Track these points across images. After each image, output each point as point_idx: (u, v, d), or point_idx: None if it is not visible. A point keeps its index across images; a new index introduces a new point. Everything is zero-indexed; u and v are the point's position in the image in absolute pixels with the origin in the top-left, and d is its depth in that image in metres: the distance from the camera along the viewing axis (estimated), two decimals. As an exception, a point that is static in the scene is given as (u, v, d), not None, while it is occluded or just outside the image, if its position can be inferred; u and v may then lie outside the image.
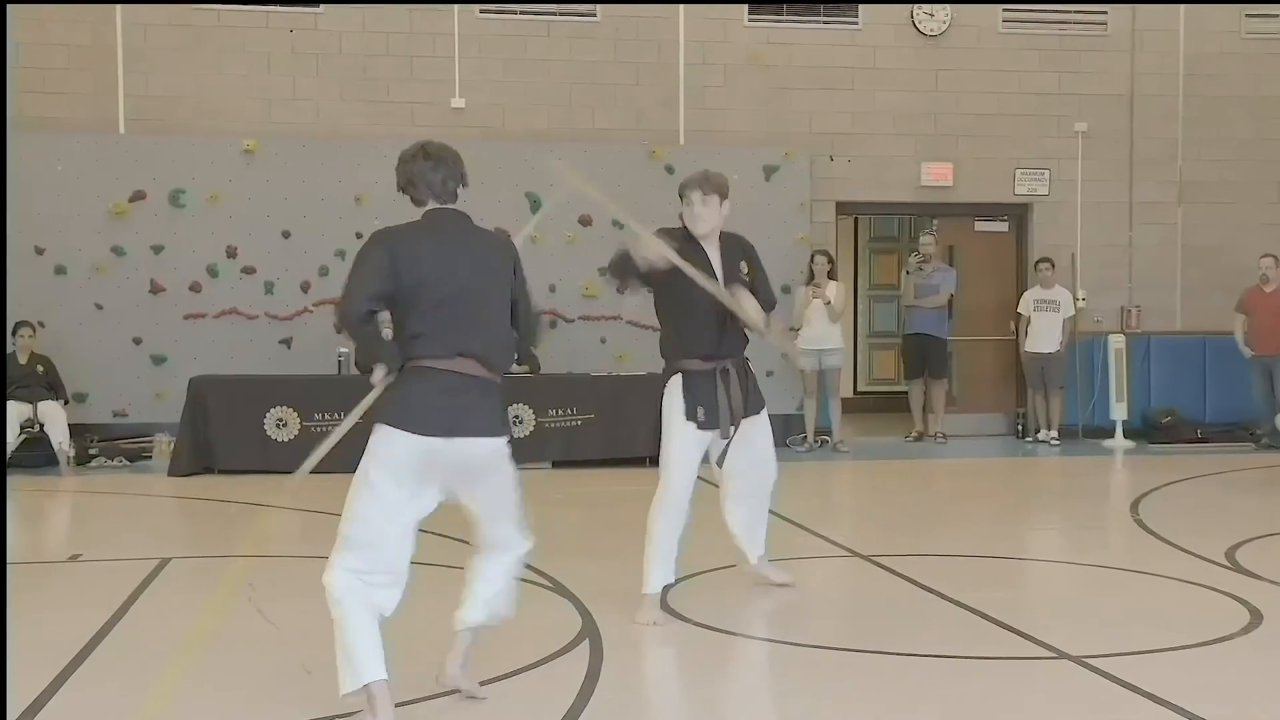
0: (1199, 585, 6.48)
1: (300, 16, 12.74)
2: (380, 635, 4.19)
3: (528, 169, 12.68)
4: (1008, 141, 13.83)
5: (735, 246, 5.89)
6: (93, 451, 11.47)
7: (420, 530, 4.37)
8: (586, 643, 5.33)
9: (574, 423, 11.34)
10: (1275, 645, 5.39)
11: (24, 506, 9.52)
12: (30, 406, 11.25)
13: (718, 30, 13.33)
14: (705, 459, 5.96)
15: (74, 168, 12.15)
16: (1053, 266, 13.41)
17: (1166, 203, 14.12)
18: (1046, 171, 13.93)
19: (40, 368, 11.48)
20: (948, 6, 13.67)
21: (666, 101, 13.26)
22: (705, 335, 5.75)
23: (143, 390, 12.22)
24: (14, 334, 11.46)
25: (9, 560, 6.32)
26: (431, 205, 4.49)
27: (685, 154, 12.88)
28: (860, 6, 13.56)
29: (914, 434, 13.49)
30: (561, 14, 13.09)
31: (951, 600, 6.14)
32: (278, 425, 10.88)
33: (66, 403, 11.58)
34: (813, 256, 12.76)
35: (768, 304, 5.92)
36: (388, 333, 4.44)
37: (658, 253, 5.47)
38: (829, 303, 12.56)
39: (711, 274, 5.70)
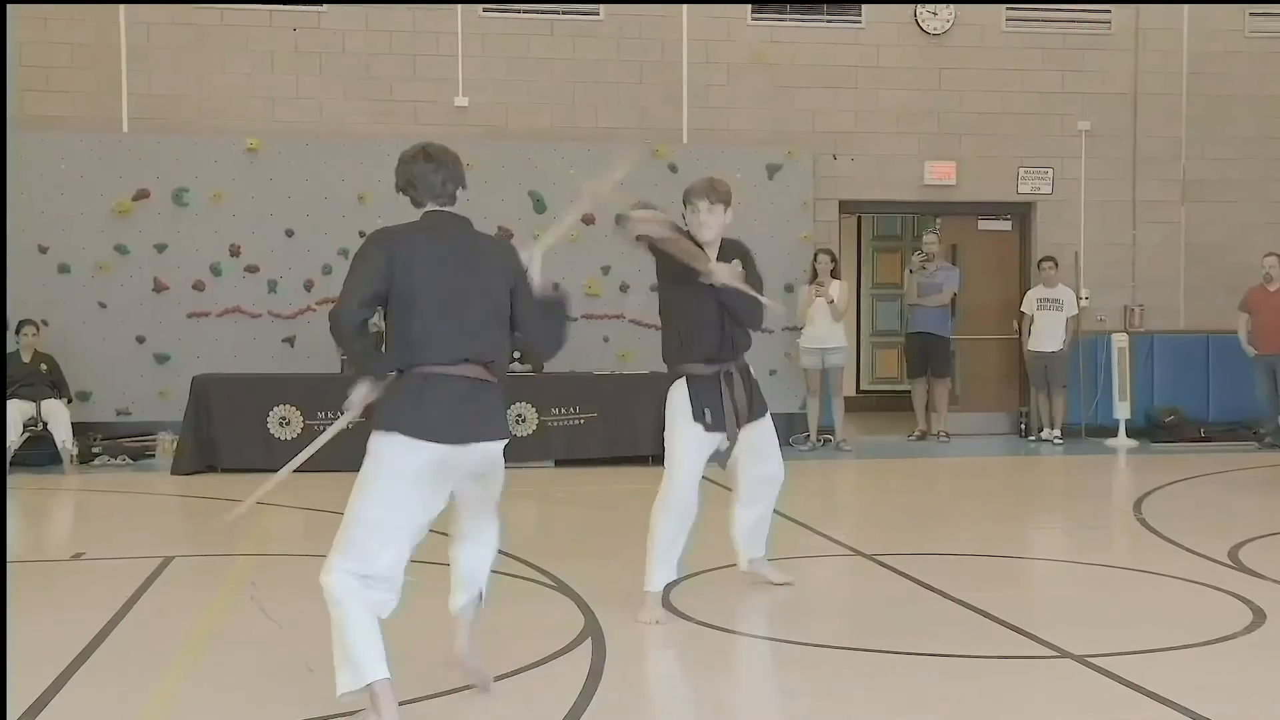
0: (1202, 584, 6.47)
1: (303, 15, 12.75)
2: (381, 634, 4.18)
3: (531, 168, 12.72)
4: (1011, 140, 13.82)
5: (733, 250, 5.90)
6: (96, 450, 11.48)
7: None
8: (589, 642, 5.32)
9: (577, 421, 11.34)
10: (1278, 645, 5.38)
11: (27, 505, 9.53)
12: (33, 405, 11.27)
13: (721, 29, 13.33)
14: (711, 460, 5.97)
15: (77, 166, 12.16)
16: (1056, 265, 13.41)
17: (1170, 201, 14.11)
18: (1050, 170, 13.92)
19: (44, 366, 11.50)
20: (951, 5, 13.66)
21: (670, 100, 13.25)
22: (708, 339, 5.77)
23: (146, 389, 12.23)
24: (17, 332, 11.47)
25: (11, 559, 6.33)
26: (431, 207, 4.49)
27: (688, 153, 12.90)
28: (863, 5, 13.55)
29: (917, 433, 13.48)
30: (565, 13, 13.09)
31: (954, 599, 6.13)
32: (281, 424, 10.88)
33: (70, 401, 11.60)
34: (816, 255, 12.76)
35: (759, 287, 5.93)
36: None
37: (651, 227, 5.52)
38: (832, 301, 12.56)
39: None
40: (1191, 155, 14.08)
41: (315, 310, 12.41)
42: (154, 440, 11.79)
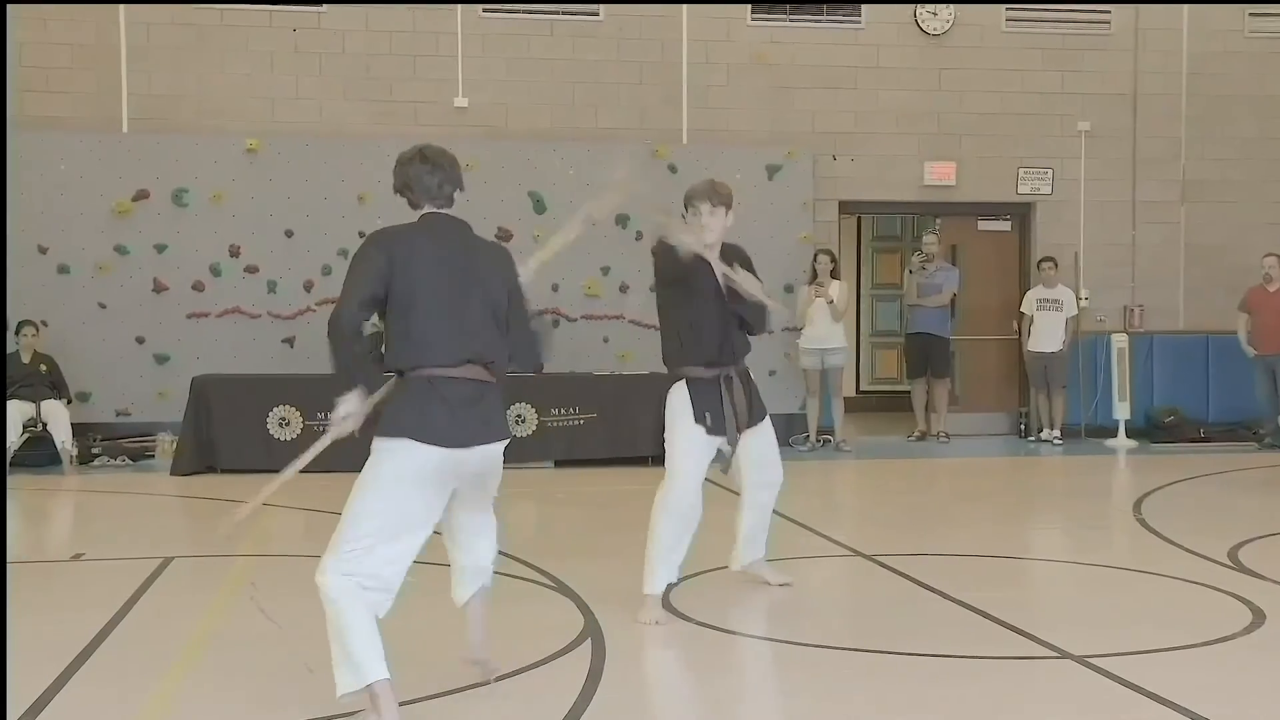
0: (1201, 585, 6.47)
1: (303, 16, 12.75)
2: (379, 634, 4.18)
3: (530, 168, 12.73)
4: (1011, 140, 13.82)
5: (732, 254, 5.91)
6: (95, 451, 11.48)
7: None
8: (588, 642, 5.32)
9: (576, 422, 11.34)
10: (1277, 645, 5.38)
11: (26, 505, 9.53)
12: (33, 405, 11.27)
13: (721, 29, 13.33)
14: (712, 463, 5.99)
15: (77, 167, 12.16)
16: (1055, 266, 13.41)
17: (1170, 202, 14.11)
18: (1049, 170, 13.92)
19: (43, 367, 11.50)
20: (951, 5, 13.66)
21: (670, 101, 13.26)
22: (708, 342, 5.78)
23: (145, 389, 12.23)
24: (17, 333, 11.47)
25: (10, 559, 6.33)
26: (428, 209, 4.49)
27: (688, 153, 12.90)
28: (863, 6, 13.55)
29: (916, 433, 13.48)
30: (564, 13, 13.09)
31: (954, 600, 6.13)
32: (280, 424, 10.88)
33: (69, 402, 11.60)
34: (816, 256, 12.76)
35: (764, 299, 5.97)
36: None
37: (691, 240, 5.54)
38: (832, 302, 12.56)
39: (715, 284, 5.73)
40: (1191, 155, 14.08)
41: (315, 311, 12.41)
42: (154, 441, 11.78)
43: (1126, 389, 13.27)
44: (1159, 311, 14.09)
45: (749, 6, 13.39)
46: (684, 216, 5.89)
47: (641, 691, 5.01)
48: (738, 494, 6.29)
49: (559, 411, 11.29)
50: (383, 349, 4.40)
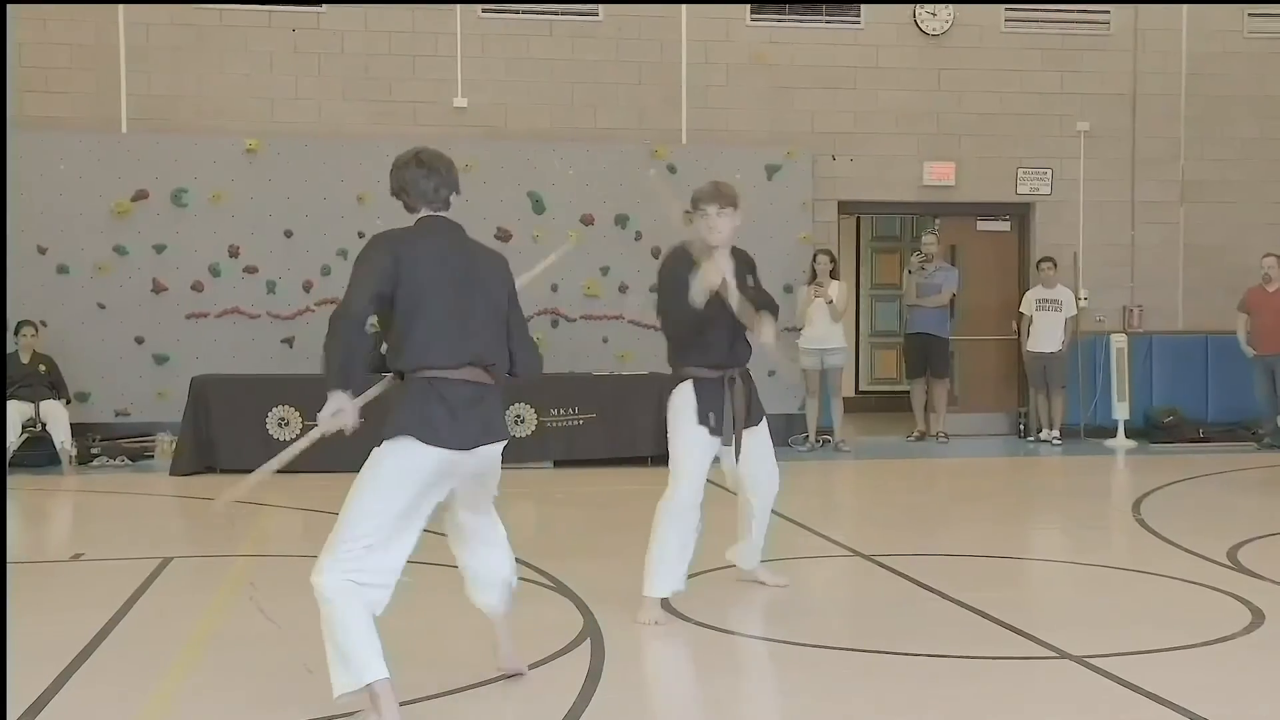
0: (1201, 585, 6.48)
1: (302, 16, 12.75)
2: (377, 634, 4.17)
3: (530, 168, 12.74)
4: (1010, 141, 13.83)
5: (744, 261, 5.97)
6: (95, 451, 11.48)
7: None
8: (588, 642, 5.33)
9: (576, 422, 11.34)
10: (1277, 645, 5.39)
11: (26, 506, 9.52)
12: (32, 406, 11.27)
13: (720, 29, 13.33)
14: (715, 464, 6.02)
15: (76, 167, 12.16)
16: (1055, 266, 13.41)
17: (1169, 202, 14.12)
18: (1049, 171, 13.93)
19: (42, 367, 11.50)
20: (950, 6, 13.67)
21: (669, 101, 13.26)
22: (719, 344, 5.81)
23: (145, 389, 12.23)
24: (16, 333, 11.47)
25: (10, 560, 6.32)
26: (425, 212, 4.49)
27: (687, 153, 12.91)
28: (862, 6, 13.55)
29: (916, 433, 13.49)
30: (564, 13, 13.09)
31: (953, 600, 6.14)
32: (280, 424, 10.88)
33: (69, 402, 11.60)
34: (815, 256, 12.76)
35: (770, 298, 6.04)
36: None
37: (716, 279, 5.56)
38: (831, 302, 12.56)
39: (724, 285, 5.75)
40: (1190, 156, 14.08)
41: (314, 311, 12.41)
42: (153, 441, 11.78)
43: (1125, 389, 13.27)
44: (1158, 312, 14.10)
45: (748, 6, 13.39)
46: (688, 214, 5.89)
47: (641, 691, 5.01)
48: (735, 494, 6.29)
49: (558, 412, 11.29)
50: (381, 350, 4.40)
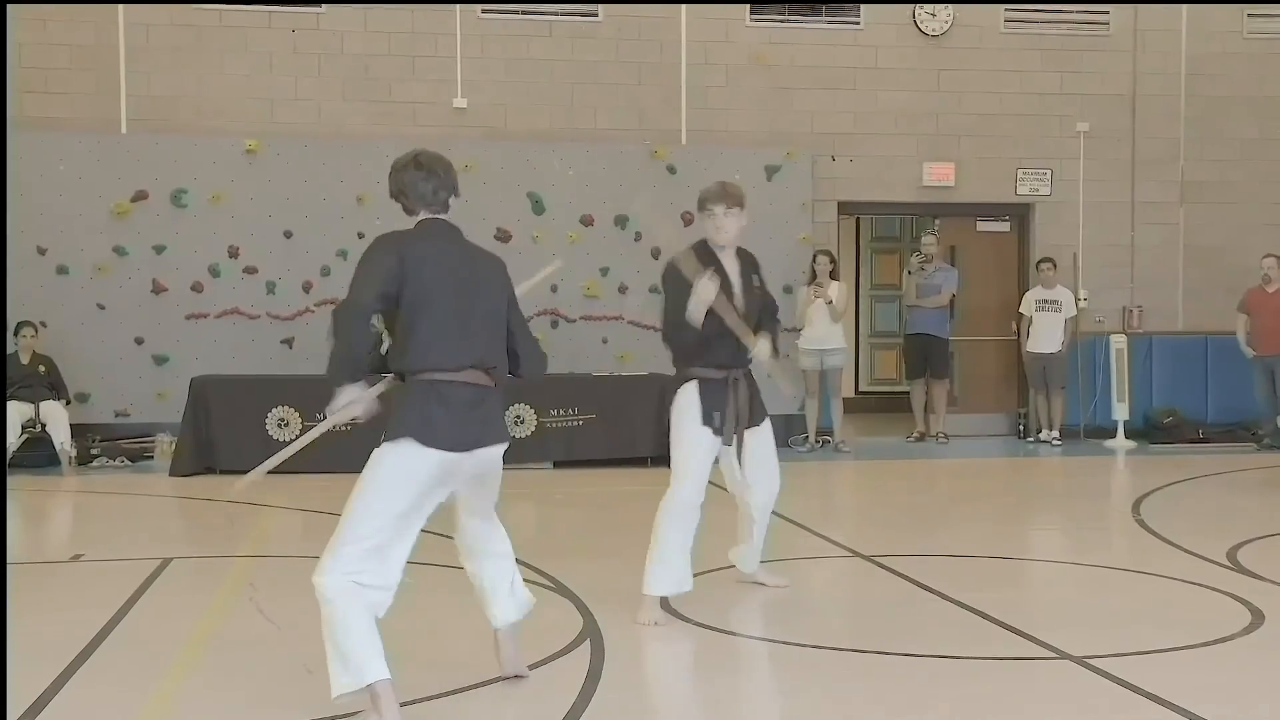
0: (1200, 585, 6.48)
1: (302, 16, 12.75)
2: (379, 635, 4.18)
3: (529, 169, 12.74)
4: (1009, 141, 13.83)
5: (750, 262, 6.02)
6: (94, 451, 11.48)
7: (421, 530, 4.39)
8: (587, 643, 5.33)
9: (575, 423, 11.33)
10: (1276, 646, 5.39)
11: (26, 506, 9.52)
12: (32, 406, 11.26)
13: (720, 30, 13.33)
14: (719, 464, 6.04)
15: (76, 168, 12.16)
16: (1054, 266, 13.41)
17: (1168, 203, 14.12)
18: (1048, 171, 13.93)
19: (42, 368, 11.49)
20: (949, 6, 13.67)
21: (668, 101, 13.26)
22: (725, 345, 5.82)
23: (144, 390, 12.23)
24: (16, 334, 11.47)
25: (10, 560, 6.32)
26: (424, 215, 4.50)
27: (687, 154, 12.92)
28: (862, 6, 13.56)
29: (915, 434, 13.49)
30: (563, 14, 13.09)
31: (953, 600, 6.14)
32: (279, 425, 10.88)
33: (68, 403, 11.60)
34: (815, 256, 12.77)
35: (775, 308, 6.19)
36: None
37: (709, 297, 5.64)
38: (831, 302, 12.56)
39: (730, 286, 5.84)
40: (1190, 156, 14.09)
41: (313, 312, 12.42)
42: (152, 442, 11.78)
43: (1125, 390, 13.28)
44: (1158, 312, 14.10)
45: (748, 7, 13.40)
46: (704, 209, 5.91)
47: (641, 692, 5.01)
48: (735, 497, 6.28)
49: (558, 412, 11.28)
50: (382, 350, 4.40)
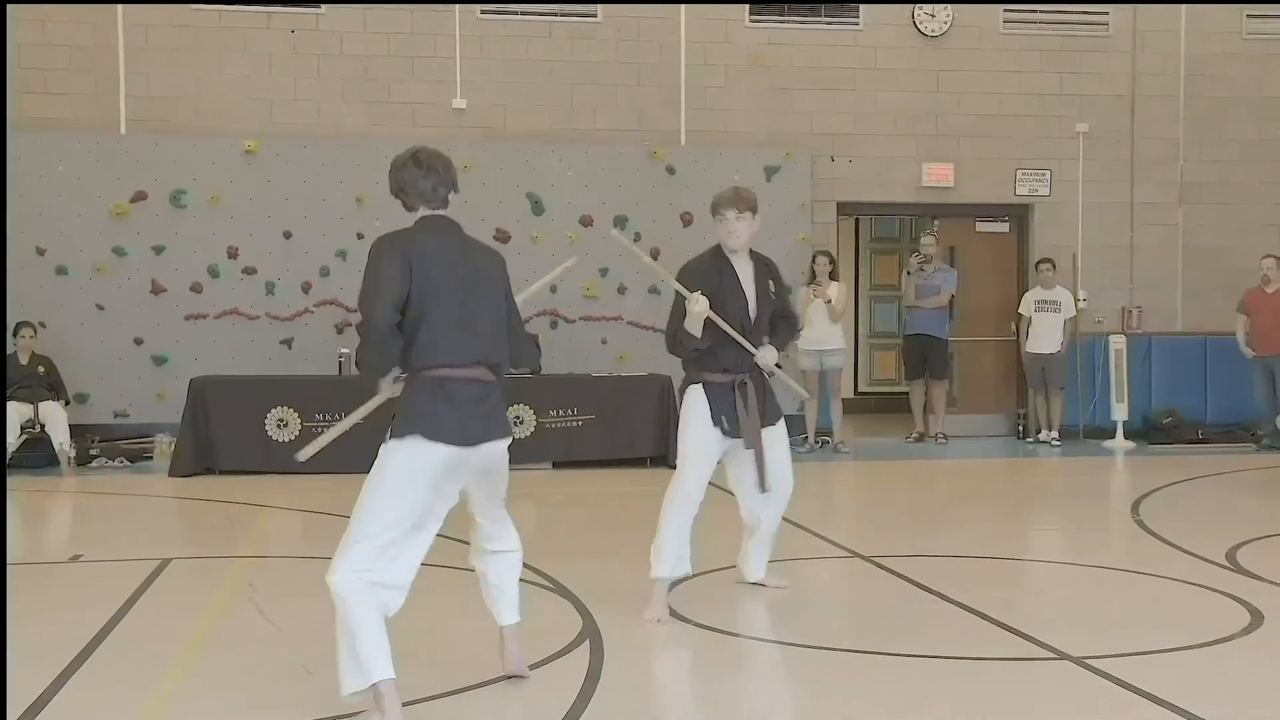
0: (1199, 586, 6.48)
1: (301, 17, 12.75)
2: (387, 635, 4.19)
3: (529, 169, 12.74)
4: (1009, 142, 13.84)
5: (764, 267, 6.09)
6: (94, 452, 11.47)
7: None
8: (587, 643, 5.33)
9: (575, 423, 11.33)
10: (1276, 646, 5.39)
11: (25, 507, 9.52)
12: (31, 407, 11.26)
13: (719, 31, 13.34)
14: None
15: (75, 168, 12.16)
16: (1054, 267, 13.42)
17: (1168, 203, 14.13)
18: (1047, 172, 13.94)
19: (41, 368, 11.49)
20: (949, 7, 13.68)
21: (668, 102, 13.26)
22: (728, 352, 5.88)
23: (144, 391, 12.24)
24: (15, 334, 11.47)
25: (9, 560, 6.32)
26: (424, 211, 4.51)
27: (686, 154, 12.92)
28: (861, 7, 13.56)
29: (915, 435, 13.49)
30: (563, 15, 13.10)
31: (952, 601, 6.14)
32: (279, 426, 10.87)
33: (67, 403, 11.59)
34: (814, 257, 12.77)
35: (794, 321, 6.34)
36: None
37: (699, 313, 5.74)
38: (830, 303, 12.56)
39: (740, 290, 5.93)
40: (1189, 157, 14.09)
41: (313, 312, 12.43)
42: (152, 442, 11.78)
43: (1124, 390, 13.28)
44: (1157, 313, 14.10)
45: (747, 8, 13.40)
46: (717, 213, 5.96)
47: (640, 692, 5.01)
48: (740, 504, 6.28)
49: (557, 413, 11.28)
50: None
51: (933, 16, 13.68)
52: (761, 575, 6.39)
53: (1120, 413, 13.25)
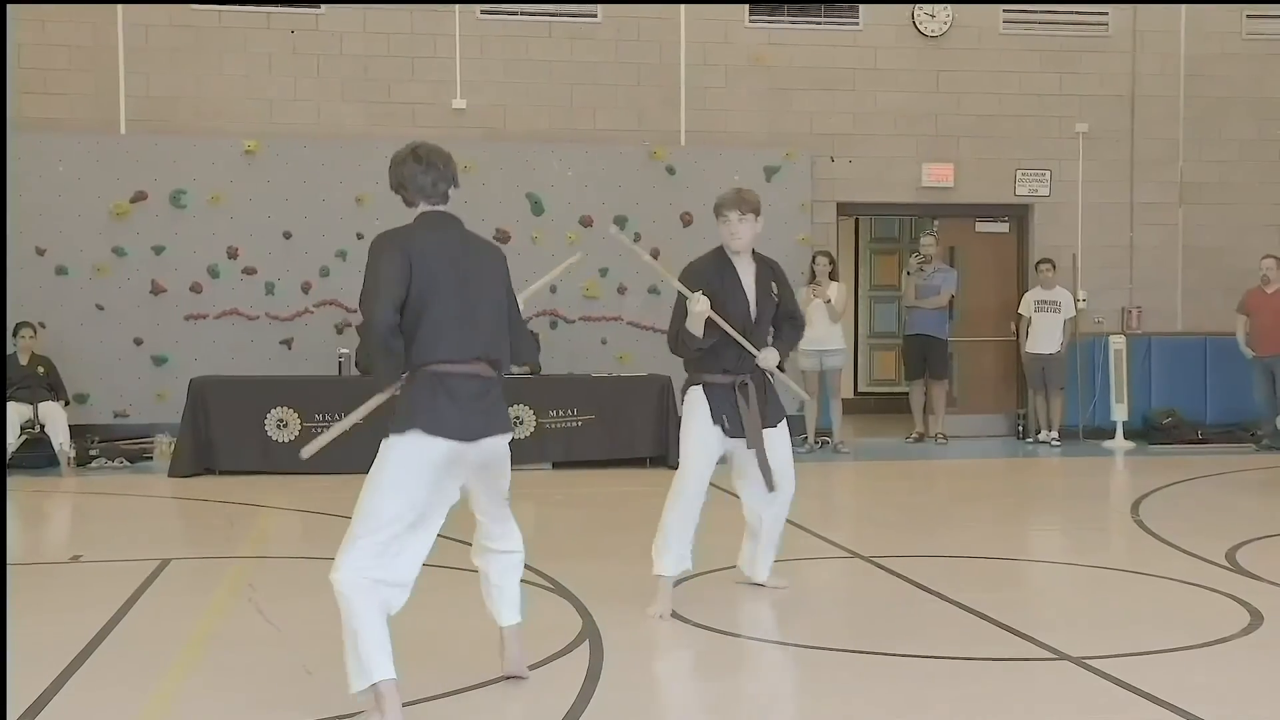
0: (1199, 586, 6.48)
1: (301, 17, 12.75)
2: (389, 634, 4.19)
3: (529, 169, 12.74)
4: (1008, 142, 13.84)
5: (767, 269, 6.10)
6: (93, 452, 11.47)
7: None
8: (587, 643, 5.33)
9: (574, 424, 11.33)
10: (1275, 646, 5.39)
11: (25, 507, 9.52)
12: (31, 407, 11.25)
13: (719, 31, 13.34)
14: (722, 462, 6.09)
15: (75, 168, 12.16)
16: (1053, 267, 13.42)
17: (1167, 203, 14.13)
18: (1047, 172, 13.94)
19: (41, 369, 11.48)
20: (949, 7, 13.68)
21: (667, 102, 13.26)
22: (729, 353, 5.90)
23: (143, 391, 12.23)
24: (15, 335, 11.46)
25: (9, 561, 6.32)
26: (424, 207, 4.52)
27: (686, 155, 12.92)
28: (861, 7, 13.56)
29: (914, 435, 13.49)
30: (562, 15, 13.10)
31: (952, 601, 6.14)
32: (278, 426, 10.87)
33: (67, 404, 11.59)
34: (814, 257, 12.77)
35: (800, 322, 6.26)
36: None
37: (703, 312, 5.75)
38: (830, 303, 12.56)
39: (742, 291, 5.95)
40: (1189, 157, 14.09)
41: (313, 312, 12.43)
42: (151, 442, 11.78)
43: (1124, 390, 13.28)
44: (1157, 313, 14.11)
45: (747, 8, 13.40)
46: (720, 215, 5.97)
47: (640, 692, 5.01)
48: (737, 496, 6.28)
49: (557, 413, 11.28)
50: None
51: (933, 17, 13.68)
52: (766, 576, 6.40)
53: (1120, 413, 13.25)
